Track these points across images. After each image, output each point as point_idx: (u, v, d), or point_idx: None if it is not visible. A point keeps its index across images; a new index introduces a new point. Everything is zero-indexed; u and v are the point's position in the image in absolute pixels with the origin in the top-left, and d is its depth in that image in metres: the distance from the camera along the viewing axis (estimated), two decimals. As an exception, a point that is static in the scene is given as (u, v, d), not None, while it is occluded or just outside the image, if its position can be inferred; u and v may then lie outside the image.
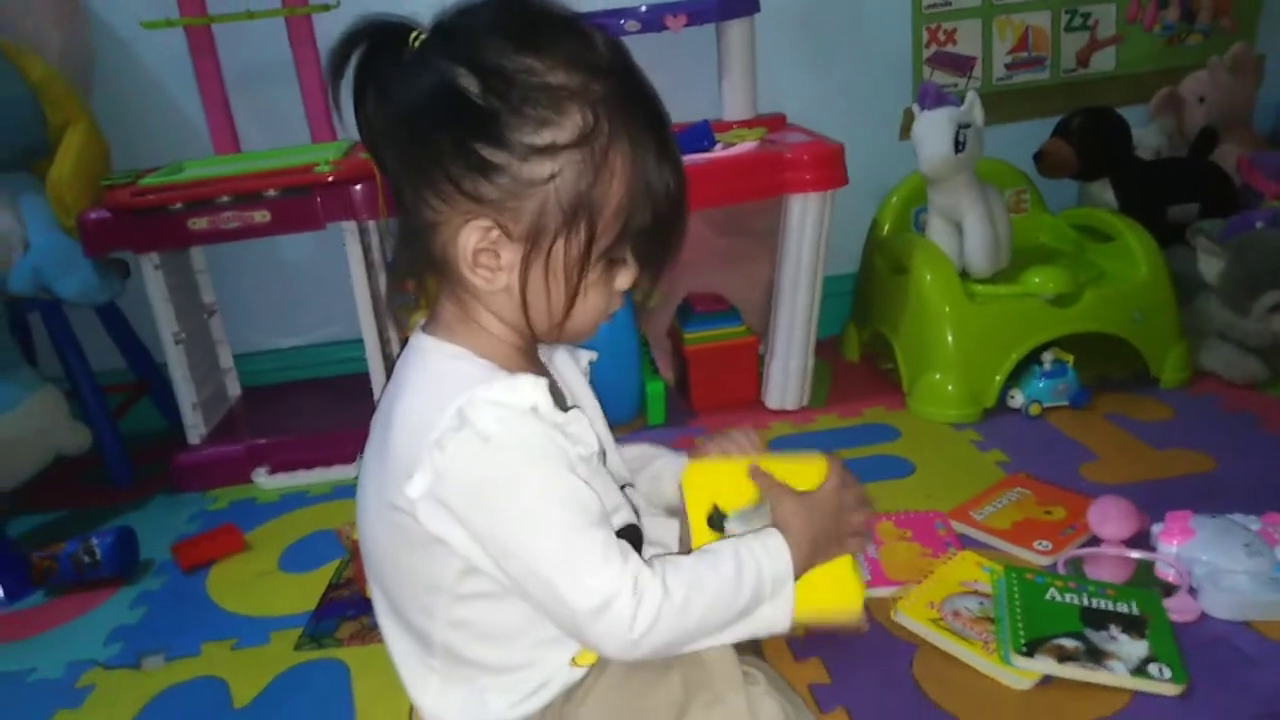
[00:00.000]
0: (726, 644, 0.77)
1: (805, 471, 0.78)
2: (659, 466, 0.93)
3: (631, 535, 0.76)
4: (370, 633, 1.13)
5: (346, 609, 1.19)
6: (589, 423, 0.71)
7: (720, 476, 0.82)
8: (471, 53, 0.65)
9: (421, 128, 0.66)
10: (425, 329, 0.75)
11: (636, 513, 0.80)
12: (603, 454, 0.80)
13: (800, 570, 0.72)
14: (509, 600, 0.71)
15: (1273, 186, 1.75)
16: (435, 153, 0.66)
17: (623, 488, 0.80)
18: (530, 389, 0.67)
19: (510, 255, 0.68)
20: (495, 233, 0.67)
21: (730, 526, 0.78)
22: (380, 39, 0.68)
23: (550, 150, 0.65)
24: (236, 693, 1.07)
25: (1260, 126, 1.97)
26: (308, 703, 1.05)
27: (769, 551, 0.71)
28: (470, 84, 0.65)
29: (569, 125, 0.65)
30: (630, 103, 0.67)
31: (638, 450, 0.94)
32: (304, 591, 1.25)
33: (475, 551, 0.69)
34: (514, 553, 0.67)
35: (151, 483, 1.63)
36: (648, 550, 0.81)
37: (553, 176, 0.65)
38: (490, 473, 0.66)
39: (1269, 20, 1.98)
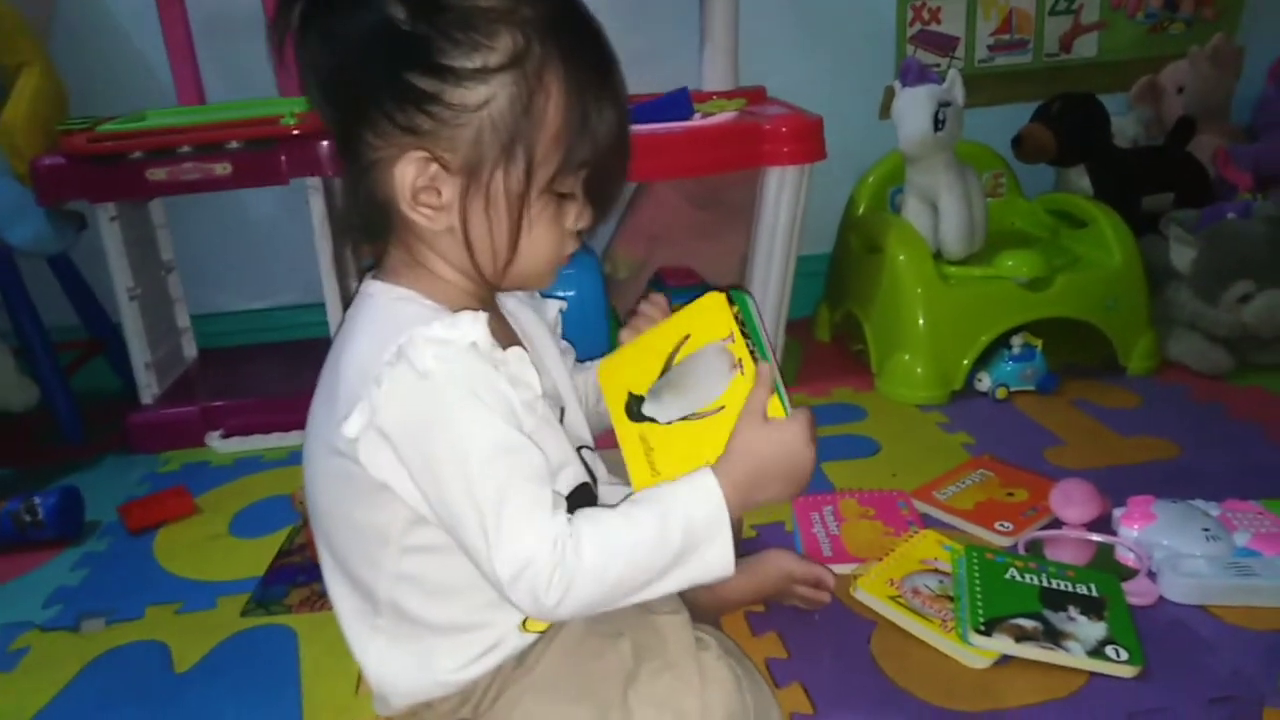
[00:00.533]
0: (678, 606, 0.77)
1: (706, 320, 0.75)
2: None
3: (583, 496, 0.74)
4: (321, 600, 1.10)
5: (297, 575, 1.16)
6: (532, 365, 0.69)
7: (629, 361, 0.79)
8: None
9: (355, 64, 0.65)
10: (374, 275, 0.74)
11: (593, 477, 0.78)
12: (561, 411, 0.79)
13: (739, 508, 0.70)
14: (457, 555, 0.68)
15: (1246, 179, 1.76)
16: (369, 87, 0.64)
17: (580, 449, 0.78)
18: (469, 325, 0.65)
19: (450, 191, 0.66)
20: (433, 166, 0.65)
21: (649, 410, 0.74)
22: None
23: (481, 74, 0.63)
24: (178, 657, 1.04)
25: (1237, 118, 1.96)
26: (252, 668, 1.02)
27: (698, 496, 0.69)
28: (398, 12, 0.63)
29: (500, 48, 0.64)
30: (564, 29, 0.65)
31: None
32: (254, 557, 1.22)
33: (417, 496, 0.67)
34: (442, 496, 0.65)
35: (103, 443, 1.59)
36: None
37: (486, 102, 0.64)
38: (424, 409, 0.64)
39: (1251, 12, 1.97)
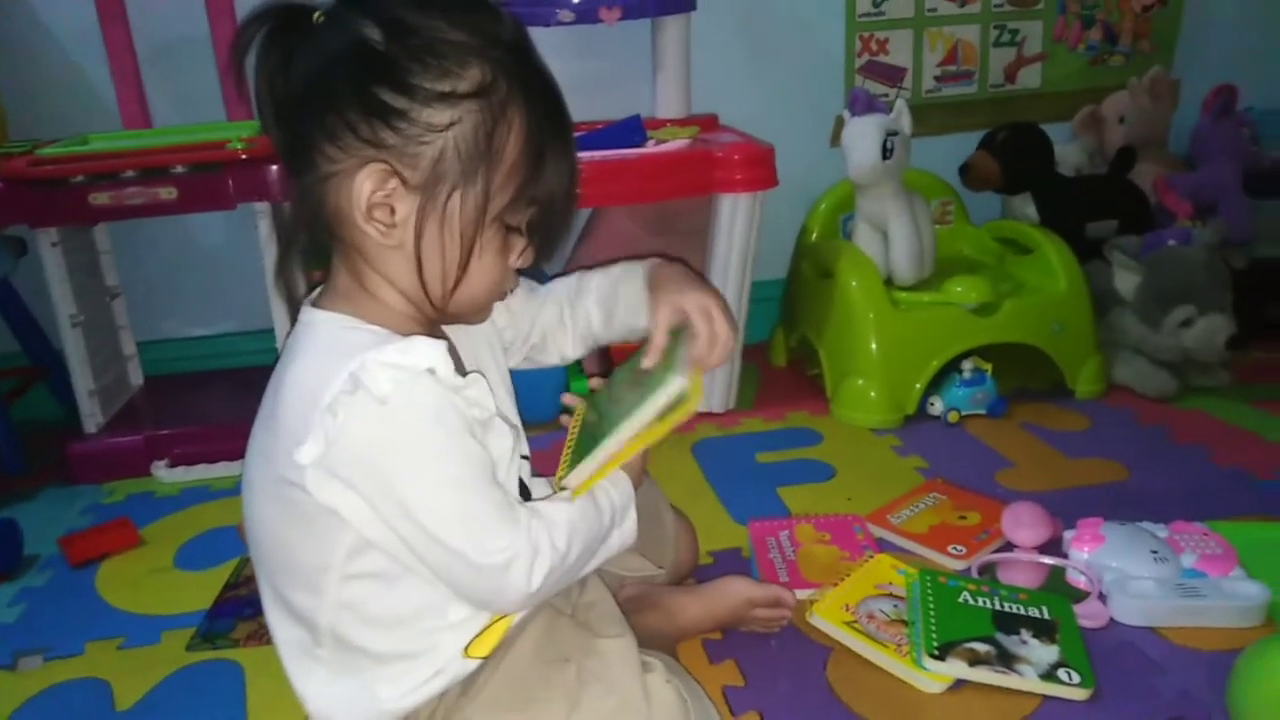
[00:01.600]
0: (623, 630, 0.79)
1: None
2: (594, 286, 0.91)
3: (522, 496, 0.78)
4: (268, 633, 1.07)
5: (244, 608, 1.14)
6: (488, 387, 0.71)
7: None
8: (377, 9, 0.66)
9: (324, 79, 0.66)
10: (315, 302, 0.74)
11: (525, 488, 0.80)
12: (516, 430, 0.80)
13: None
14: (400, 582, 0.69)
15: (1185, 206, 1.81)
16: (336, 101, 0.66)
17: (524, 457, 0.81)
18: (426, 350, 0.66)
19: (405, 209, 0.67)
20: (393, 181, 0.67)
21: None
22: (284, 18, 0.68)
23: (450, 97, 0.65)
24: (119, 695, 1.01)
25: (1176, 148, 2.03)
26: (197, 705, 0.99)
27: (614, 481, 0.77)
28: (374, 33, 0.66)
29: (469, 77, 0.66)
30: (529, 74, 0.69)
31: (562, 288, 0.92)
32: (201, 589, 1.19)
33: (368, 520, 0.67)
34: (412, 515, 0.66)
35: (44, 473, 1.54)
36: None
37: (452, 124, 0.66)
38: (387, 435, 0.65)
39: (1185, 46, 2.04)
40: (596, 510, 0.74)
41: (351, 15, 0.67)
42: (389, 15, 0.66)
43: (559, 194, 0.71)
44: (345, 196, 0.67)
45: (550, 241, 0.75)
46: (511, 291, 0.77)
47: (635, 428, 0.75)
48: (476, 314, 0.76)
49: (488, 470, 0.69)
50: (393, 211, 0.67)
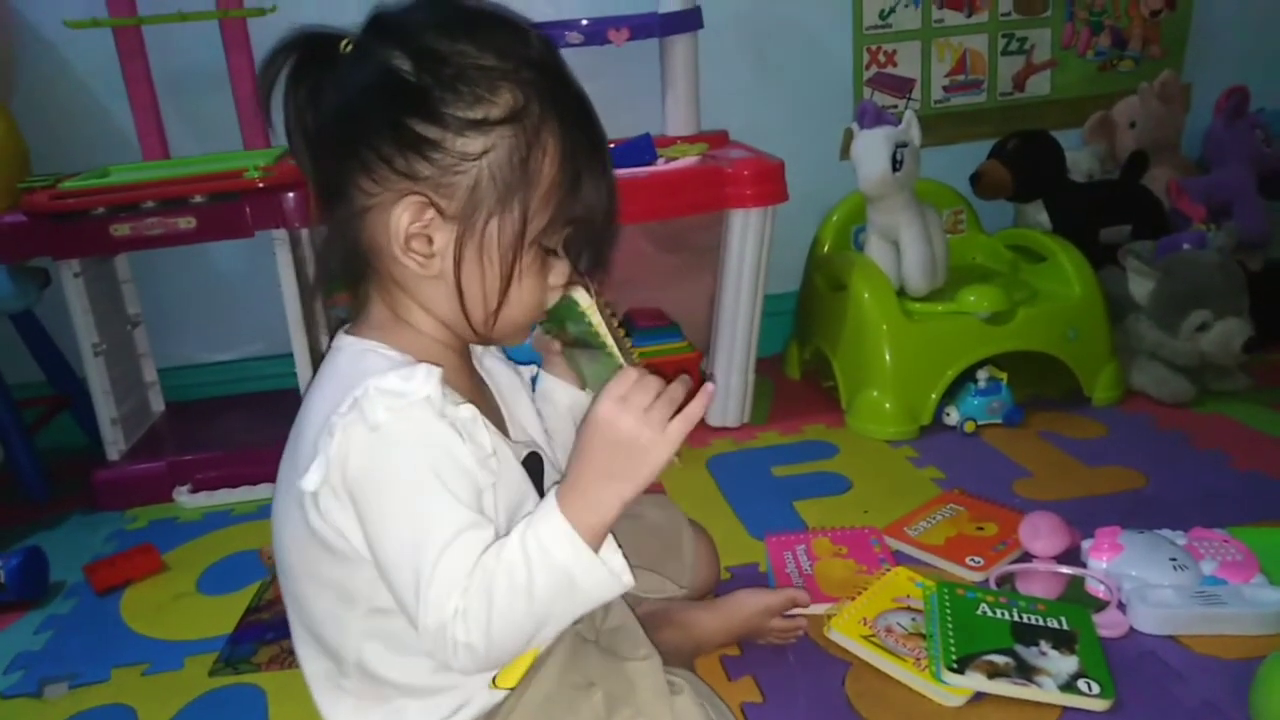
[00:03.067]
0: (650, 651, 0.77)
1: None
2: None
3: None
4: (290, 657, 1.09)
5: (266, 632, 1.15)
6: (484, 424, 0.69)
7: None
8: (405, 38, 0.66)
9: (356, 112, 0.66)
10: (347, 329, 0.74)
11: None
12: (539, 459, 0.79)
13: (599, 524, 0.65)
14: None
15: (1200, 210, 1.80)
16: (369, 134, 0.66)
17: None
18: (423, 378, 0.65)
19: (444, 238, 0.67)
20: (430, 212, 0.67)
21: None
22: (312, 48, 0.68)
23: (483, 125, 0.65)
24: (145, 720, 1.02)
25: (1188, 152, 2.02)
26: (220, 730, 1.00)
27: (551, 536, 0.64)
28: (404, 64, 0.65)
29: (501, 102, 0.66)
30: (560, 93, 0.68)
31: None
32: (223, 614, 1.20)
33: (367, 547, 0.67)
34: (383, 547, 0.65)
35: (69, 501, 1.56)
36: None
37: (486, 151, 0.66)
38: (372, 463, 0.65)
39: (1194, 50, 2.04)
40: (529, 575, 0.64)
41: (380, 45, 0.66)
42: (417, 44, 0.65)
43: (599, 212, 0.71)
44: (382, 229, 0.67)
45: (599, 260, 0.74)
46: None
47: None
48: (517, 336, 0.76)
49: (463, 520, 0.64)
50: (430, 242, 0.67)
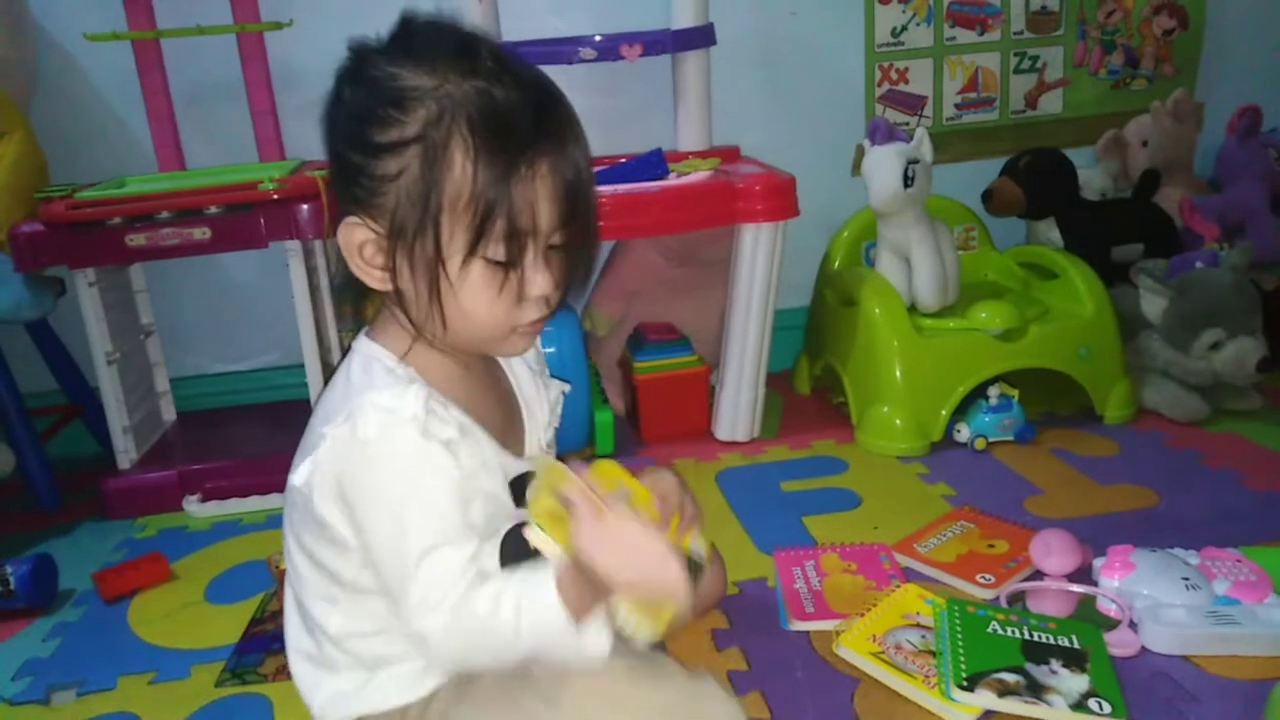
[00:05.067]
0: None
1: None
2: None
3: (518, 540, 0.76)
4: (297, 665, 1.08)
5: (272, 642, 1.15)
6: (475, 440, 0.73)
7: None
8: (358, 67, 0.71)
9: (325, 142, 0.73)
10: (366, 332, 0.78)
11: None
12: (530, 478, 0.80)
13: (588, 605, 0.68)
14: None
15: (1212, 229, 1.79)
16: (330, 162, 0.73)
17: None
18: (413, 397, 0.69)
19: (386, 255, 0.71)
20: (370, 233, 0.71)
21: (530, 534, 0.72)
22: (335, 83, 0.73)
23: (396, 146, 0.68)
24: (151, 729, 1.02)
25: (1201, 171, 2.01)
26: (226, 739, 1.00)
27: (539, 607, 0.68)
28: (347, 94, 0.71)
29: (414, 122, 0.68)
30: (490, 104, 0.67)
31: None
32: (230, 623, 1.20)
33: (354, 540, 0.73)
34: (367, 548, 0.71)
35: (79, 509, 1.57)
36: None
37: (401, 172, 0.68)
38: (360, 474, 0.69)
39: (1207, 69, 2.04)
40: (514, 628, 0.68)
41: (344, 79, 0.71)
42: (362, 72, 0.70)
43: (548, 222, 0.69)
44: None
45: (570, 271, 0.74)
46: (541, 323, 0.75)
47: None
48: (495, 346, 0.77)
49: (450, 530, 0.69)
50: (382, 256, 0.71)
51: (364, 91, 0.69)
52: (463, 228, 0.68)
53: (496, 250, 0.69)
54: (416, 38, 0.70)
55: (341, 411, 0.70)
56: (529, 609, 0.68)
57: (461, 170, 0.67)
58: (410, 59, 0.68)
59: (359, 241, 0.71)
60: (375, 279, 0.72)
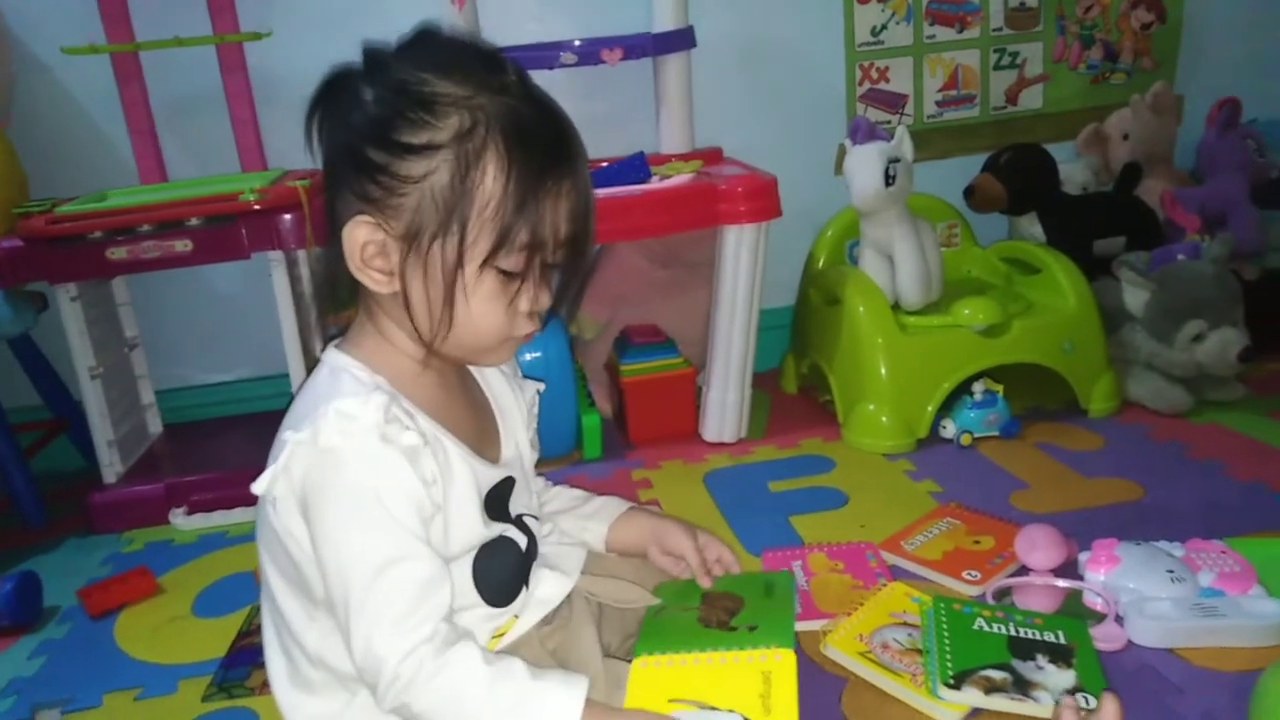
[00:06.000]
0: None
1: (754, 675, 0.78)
2: (589, 510, 0.97)
3: (504, 548, 0.79)
4: (284, 677, 1.08)
5: (258, 655, 1.12)
6: (442, 449, 0.73)
7: (686, 588, 0.89)
8: (377, 71, 0.71)
9: (333, 140, 0.72)
10: (336, 344, 0.78)
11: (532, 537, 0.82)
12: (511, 482, 0.81)
13: None
14: None
15: (1195, 221, 1.80)
16: (339, 160, 0.71)
17: (521, 516, 0.81)
18: (375, 406, 0.69)
19: (396, 257, 0.71)
20: (380, 233, 0.70)
21: None
22: (330, 85, 0.73)
23: (426, 149, 0.68)
24: (137, 745, 1.02)
25: (1182, 163, 2.02)
26: (213, 754, 0.99)
27: (553, 712, 0.68)
28: (368, 95, 0.70)
29: (446, 128, 0.69)
30: (520, 121, 0.70)
31: (568, 495, 0.98)
32: (217, 637, 1.20)
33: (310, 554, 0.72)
34: (322, 564, 0.70)
35: (65, 524, 1.56)
36: (543, 575, 0.84)
37: (427, 175, 0.69)
38: (320, 480, 0.69)
39: (1186, 62, 2.05)
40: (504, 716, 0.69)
41: (359, 79, 0.71)
42: (385, 75, 0.70)
43: (559, 238, 0.72)
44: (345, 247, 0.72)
45: (565, 285, 0.77)
46: (531, 336, 0.77)
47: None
48: (485, 356, 0.79)
49: (398, 570, 0.69)
50: (388, 259, 0.71)
51: (390, 92, 0.69)
52: (486, 236, 0.69)
53: (513, 261, 0.71)
54: (440, 48, 0.72)
55: (305, 419, 0.69)
56: (537, 709, 0.68)
57: (494, 181, 0.69)
58: (436, 67, 0.69)
59: (363, 240, 0.70)
60: (374, 280, 0.72)
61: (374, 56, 0.72)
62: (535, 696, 0.68)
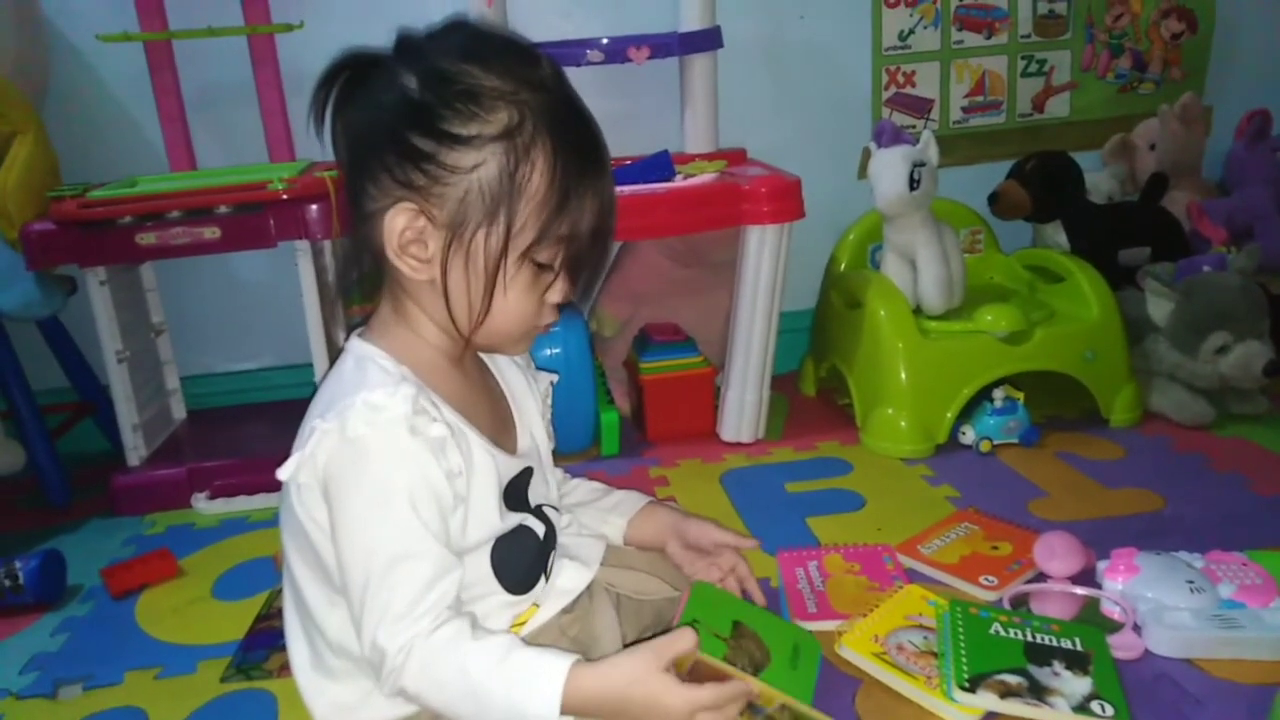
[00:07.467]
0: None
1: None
2: (609, 503, 0.98)
3: (523, 537, 0.80)
4: (302, 661, 1.09)
5: (277, 639, 1.13)
6: (465, 440, 0.74)
7: (719, 605, 0.89)
8: (418, 59, 0.71)
9: (369, 125, 0.72)
10: (359, 333, 0.78)
11: (551, 527, 0.83)
12: (530, 471, 0.82)
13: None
14: None
15: (1221, 232, 1.79)
16: (376, 145, 0.71)
17: (540, 506, 0.83)
18: (403, 397, 0.69)
19: (435, 245, 0.72)
20: (421, 220, 0.71)
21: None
22: (353, 68, 0.73)
23: (475, 141, 0.69)
24: (156, 723, 1.03)
25: (1209, 174, 2.01)
26: (231, 735, 1.01)
27: (535, 699, 0.68)
28: (411, 82, 0.70)
29: (496, 121, 0.70)
30: (559, 117, 0.71)
31: (588, 488, 0.99)
32: (236, 620, 1.21)
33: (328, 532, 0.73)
34: (339, 551, 0.71)
35: (89, 505, 1.58)
36: (564, 565, 0.85)
37: (476, 166, 0.69)
38: (344, 469, 0.70)
39: (1215, 73, 2.03)
40: (486, 702, 0.69)
41: (397, 65, 0.71)
42: (427, 64, 0.70)
43: (588, 233, 0.74)
44: (382, 233, 0.72)
45: (584, 277, 0.77)
46: (550, 326, 0.79)
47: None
48: (511, 346, 0.80)
49: (418, 544, 0.70)
50: (425, 246, 0.72)
51: (434, 81, 0.70)
52: (530, 229, 0.71)
53: (549, 254, 0.72)
54: (477, 40, 0.72)
55: (333, 408, 0.70)
56: (520, 690, 0.68)
57: (540, 176, 0.70)
58: (476, 59, 0.70)
59: (402, 227, 0.71)
60: (410, 267, 0.72)
61: (408, 43, 0.72)
62: (521, 682, 0.69)
